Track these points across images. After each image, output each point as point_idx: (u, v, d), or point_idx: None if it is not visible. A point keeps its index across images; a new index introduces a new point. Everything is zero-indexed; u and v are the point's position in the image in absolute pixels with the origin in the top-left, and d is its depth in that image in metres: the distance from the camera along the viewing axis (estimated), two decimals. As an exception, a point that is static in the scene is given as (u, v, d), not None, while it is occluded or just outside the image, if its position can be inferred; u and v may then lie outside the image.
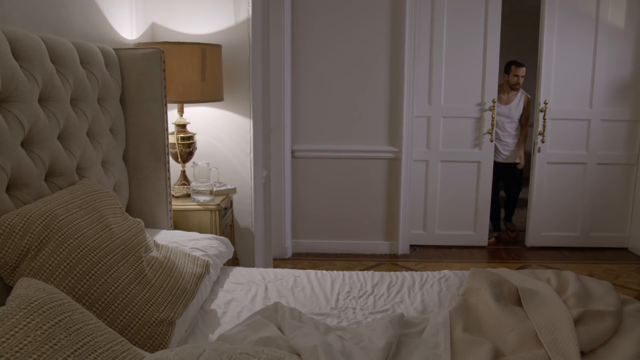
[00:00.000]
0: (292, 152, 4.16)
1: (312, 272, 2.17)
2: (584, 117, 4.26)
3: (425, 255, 4.28)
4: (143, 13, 2.70)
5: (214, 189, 2.59)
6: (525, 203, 4.61)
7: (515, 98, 4.39)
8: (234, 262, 2.74)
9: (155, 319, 1.47)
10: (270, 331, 1.48)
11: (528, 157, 4.49)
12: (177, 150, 2.57)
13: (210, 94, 2.51)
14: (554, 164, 4.32)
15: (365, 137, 4.14)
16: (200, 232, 2.40)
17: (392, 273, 2.17)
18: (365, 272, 2.20)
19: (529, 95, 4.45)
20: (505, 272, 2.02)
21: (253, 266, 2.88)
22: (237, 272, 2.20)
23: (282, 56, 3.89)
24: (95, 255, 1.45)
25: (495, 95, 4.21)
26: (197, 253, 1.99)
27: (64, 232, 1.41)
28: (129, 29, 2.57)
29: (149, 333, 1.44)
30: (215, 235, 2.27)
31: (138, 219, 1.82)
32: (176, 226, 2.49)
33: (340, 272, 2.19)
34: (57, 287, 1.32)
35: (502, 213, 4.74)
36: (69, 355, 0.99)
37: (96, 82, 1.96)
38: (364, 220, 4.26)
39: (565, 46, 4.16)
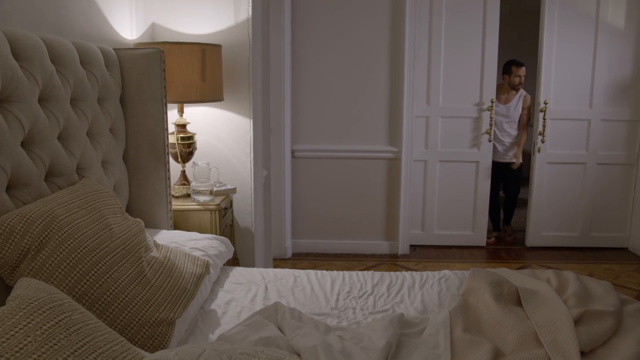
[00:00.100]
0: (292, 152, 4.16)
1: (312, 272, 2.17)
2: (584, 117, 4.26)
3: (425, 255, 4.28)
4: (143, 13, 2.70)
5: (214, 189, 2.59)
6: (525, 203, 4.61)
7: (515, 98, 4.37)
8: (234, 262, 2.74)
9: (155, 319, 1.47)
10: (270, 331, 1.48)
11: (528, 157, 4.49)
12: (177, 150, 2.57)
13: (210, 94, 2.51)
14: (554, 164, 4.32)
15: (365, 137, 4.14)
16: (200, 232, 2.40)
17: (392, 273, 2.17)
18: (365, 272, 2.20)
19: (529, 95, 4.41)
20: (505, 272, 2.02)
21: (253, 266, 2.88)
22: (237, 272, 2.20)
23: (282, 56, 3.89)
24: (95, 255, 1.45)
25: (493, 95, 4.21)
26: (197, 253, 1.99)
27: (64, 232, 1.41)
28: (129, 29, 2.57)
29: (149, 333, 1.44)
30: (215, 235, 2.27)
31: (138, 219, 1.82)
32: (176, 226, 2.49)
33: (340, 272, 2.19)
34: (57, 287, 1.32)
35: (502, 214, 4.73)
36: (69, 355, 0.99)
37: (96, 82, 1.96)
38: (364, 220, 4.26)
39: (565, 46, 4.16)
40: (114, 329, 1.35)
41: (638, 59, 4.15)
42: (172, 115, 2.60)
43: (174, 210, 2.48)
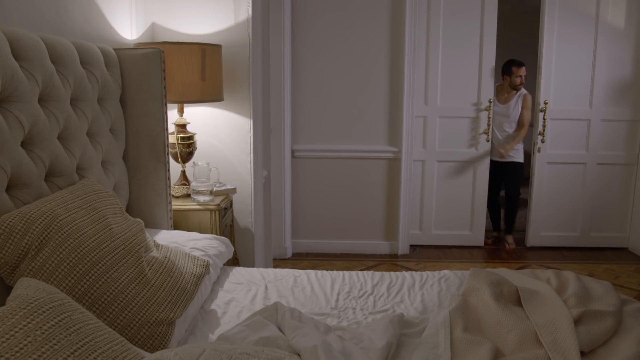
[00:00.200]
0: (292, 152, 4.16)
1: (312, 272, 2.17)
2: (584, 117, 4.26)
3: (425, 255, 4.28)
4: (143, 13, 2.70)
5: (214, 189, 2.59)
6: (525, 203, 4.60)
7: (514, 97, 4.30)
8: (234, 262, 2.74)
9: (155, 319, 1.47)
10: (270, 331, 1.48)
11: (528, 157, 4.47)
12: (177, 150, 2.57)
13: (210, 94, 2.51)
14: (554, 164, 4.32)
15: (365, 137, 4.14)
16: (200, 232, 2.40)
17: (392, 273, 2.17)
18: (365, 272, 2.20)
19: (529, 95, 4.30)
20: (505, 272, 2.02)
21: (253, 266, 2.88)
22: (237, 272, 2.20)
23: (282, 56, 3.89)
24: (95, 255, 1.45)
25: (491, 95, 4.21)
26: (197, 253, 1.99)
27: (64, 232, 1.41)
28: (129, 29, 2.57)
29: (149, 333, 1.44)
30: (215, 235, 2.27)
31: (138, 219, 1.82)
32: (176, 226, 2.49)
33: (340, 272, 2.19)
34: (57, 287, 1.32)
35: (503, 219, 4.69)
36: (69, 355, 0.99)
37: (96, 82, 1.96)
38: (364, 220, 4.26)
39: (565, 46, 4.16)
40: (114, 329, 1.35)
41: (638, 59, 4.15)
42: (172, 115, 2.60)
43: (174, 210, 2.48)
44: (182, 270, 1.74)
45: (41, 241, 1.36)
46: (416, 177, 4.32)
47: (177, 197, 2.61)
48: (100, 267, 1.44)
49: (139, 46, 2.45)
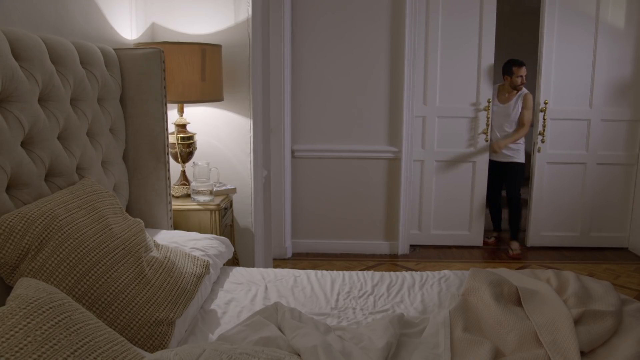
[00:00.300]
0: (292, 152, 4.16)
1: (312, 272, 2.17)
2: (583, 117, 4.26)
3: (425, 255, 4.28)
4: (143, 13, 2.70)
5: (214, 189, 2.59)
6: (525, 203, 4.60)
7: (514, 97, 4.23)
8: (234, 262, 2.74)
9: (155, 319, 1.47)
10: (270, 331, 1.48)
11: (528, 157, 4.46)
12: (177, 150, 2.57)
13: (210, 94, 2.51)
14: (554, 164, 4.32)
15: (365, 137, 4.14)
16: (200, 232, 2.40)
17: (392, 273, 2.17)
18: (365, 272, 2.20)
19: (530, 94, 4.23)
20: (505, 272, 2.02)
21: (253, 266, 2.88)
22: (237, 272, 2.20)
23: (282, 56, 3.89)
24: (95, 255, 1.45)
25: (490, 95, 4.20)
26: (197, 253, 1.99)
27: (64, 232, 1.41)
28: (129, 29, 2.57)
29: (149, 333, 1.44)
30: (215, 235, 2.27)
31: (138, 219, 1.82)
32: (176, 226, 2.49)
33: (340, 272, 2.19)
34: (57, 287, 1.32)
35: (506, 215, 4.66)
36: (69, 355, 0.99)
37: (96, 82, 1.96)
38: (364, 220, 4.26)
39: (565, 46, 4.16)
40: (114, 329, 1.36)
41: (638, 59, 4.15)
42: (172, 115, 2.60)
43: (174, 210, 2.48)
44: (182, 270, 1.74)
45: (41, 241, 1.36)
46: (415, 177, 4.32)
47: (177, 197, 2.61)
48: (100, 267, 1.44)
49: (139, 46, 2.45)
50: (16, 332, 0.96)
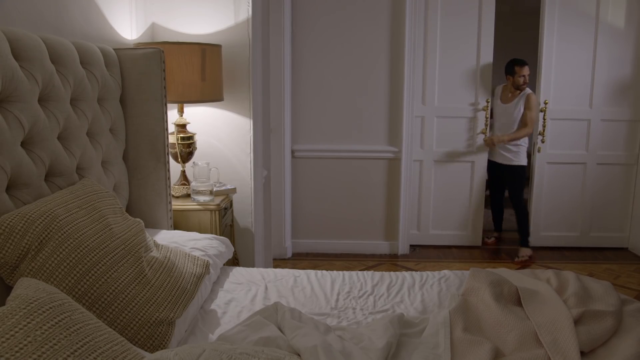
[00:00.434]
0: (292, 152, 4.16)
1: (312, 272, 2.17)
2: (583, 117, 4.26)
3: (425, 255, 4.28)
4: (143, 13, 2.70)
5: (214, 189, 2.59)
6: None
7: (516, 97, 4.15)
8: (234, 262, 2.74)
9: (155, 319, 1.47)
10: (270, 331, 1.48)
11: (528, 157, 4.45)
12: (177, 150, 2.57)
13: (210, 94, 2.51)
14: (554, 164, 4.31)
15: (365, 137, 4.14)
16: (200, 232, 2.40)
17: (392, 273, 2.17)
18: (365, 272, 2.20)
19: (534, 94, 4.09)
20: (505, 272, 2.02)
21: (253, 266, 2.88)
22: (237, 272, 2.20)
23: (282, 56, 3.89)
24: (95, 255, 1.45)
25: (489, 95, 4.20)
26: (197, 253, 1.99)
27: (64, 232, 1.41)
28: (129, 29, 2.57)
29: (149, 333, 1.44)
30: (215, 235, 2.27)
31: (138, 219, 1.82)
32: (176, 226, 2.49)
33: (340, 272, 2.19)
34: (57, 287, 1.32)
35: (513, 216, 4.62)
36: (69, 355, 0.99)
37: (96, 82, 1.96)
38: (364, 220, 4.26)
39: (565, 46, 4.16)
40: (114, 329, 1.36)
41: (638, 59, 4.15)
42: (172, 115, 2.60)
43: (174, 210, 2.48)
44: (182, 270, 1.74)
45: (41, 241, 1.36)
46: (414, 177, 4.32)
47: (177, 197, 2.61)
48: (100, 267, 1.44)
49: (139, 46, 2.45)
50: (16, 332, 0.96)
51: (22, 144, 1.53)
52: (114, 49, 2.18)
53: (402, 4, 3.94)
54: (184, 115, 2.60)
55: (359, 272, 2.19)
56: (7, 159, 1.44)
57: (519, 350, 1.48)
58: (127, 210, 2.23)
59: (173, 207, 2.47)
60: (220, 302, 1.90)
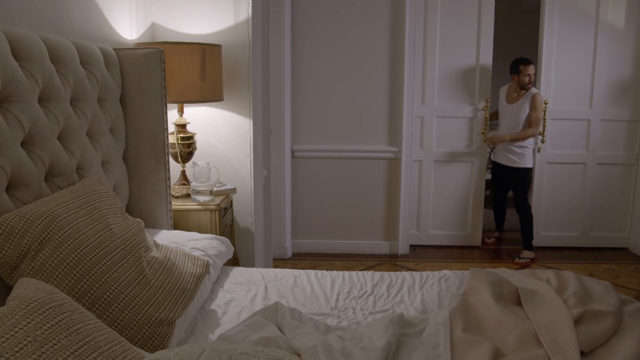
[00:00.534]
0: (292, 152, 4.16)
1: (312, 272, 2.17)
2: (584, 117, 4.26)
3: (425, 255, 4.28)
4: (143, 13, 2.70)
5: (214, 189, 2.59)
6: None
7: (521, 97, 4.04)
8: (234, 262, 2.74)
9: (155, 319, 1.47)
10: (270, 331, 1.48)
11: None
12: (177, 150, 2.57)
13: (210, 94, 2.51)
14: (554, 164, 4.31)
15: (365, 137, 4.14)
16: (200, 232, 2.40)
17: (392, 273, 2.17)
18: (365, 272, 2.20)
19: (539, 94, 4.01)
20: (505, 272, 2.02)
21: (253, 266, 2.88)
22: (237, 272, 2.20)
23: (282, 56, 3.89)
24: (95, 255, 1.45)
25: (488, 95, 4.19)
26: (197, 253, 1.99)
27: (64, 232, 1.41)
28: (129, 29, 2.57)
29: (149, 333, 1.44)
30: (215, 235, 2.27)
31: (138, 219, 1.82)
32: (176, 226, 2.49)
33: (340, 272, 2.18)
34: (57, 287, 1.32)
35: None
36: (69, 355, 0.99)
37: (96, 82, 1.96)
38: (364, 220, 4.26)
39: (565, 46, 4.16)
40: (114, 329, 1.36)
41: (638, 59, 4.15)
42: (172, 115, 2.60)
43: (174, 210, 2.48)
44: (182, 270, 1.74)
45: (41, 241, 1.36)
46: (414, 177, 4.31)
47: (177, 197, 2.61)
48: (100, 267, 1.44)
49: (139, 46, 2.45)
50: (16, 332, 0.96)
51: (22, 144, 1.53)
52: (114, 49, 2.18)
53: (402, 4, 3.94)
54: (184, 115, 2.60)
55: (359, 272, 2.19)
56: (7, 159, 1.44)
57: (519, 350, 1.48)
58: (127, 210, 2.23)
59: (173, 207, 2.47)
60: (220, 302, 1.90)
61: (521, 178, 4.11)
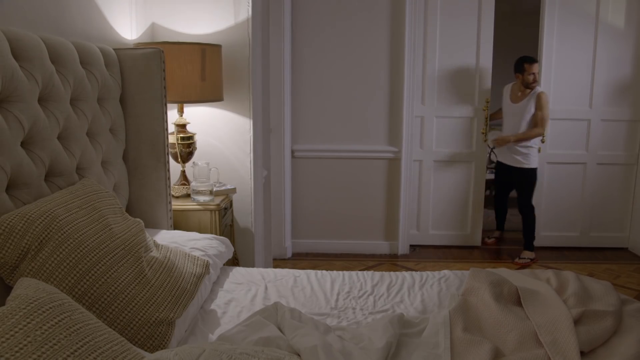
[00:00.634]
0: (292, 152, 4.16)
1: (312, 272, 2.17)
2: (583, 117, 4.26)
3: (425, 255, 4.28)
4: (143, 13, 2.70)
5: (214, 189, 2.59)
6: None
7: (527, 96, 3.98)
8: (234, 262, 2.74)
9: (155, 319, 1.47)
10: (270, 331, 1.48)
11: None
12: (177, 150, 2.57)
13: (210, 94, 2.51)
14: (554, 164, 4.31)
15: (365, 137, 4.14)
16: (200, 232, 2.40)
17: (392, 273, 2.17)
18: (365, 272, 2.20)
19: (544, 93, 3.96)
20: (505, 272, 2.02)
21: (253, 266, 2.88)
22: (237, 272, 2.20)
23: (282, 56, 3.89)
24: (95, 255, 1.45)
25: (488, 95, 4.19)
26: (197, 253, 1.99)
27: (64, 232, 1.41)
28: (129, 29, 2.57)
29: (149, 333, 1.44)
30: (215, 235, 2.27)
31: (138, 219, 1.82)
32: (176, 226, 2.49)
33: (340, 272, 2.18)
34: (57, 287, 1.32)
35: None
36: (69, 355, 0.99)
37: (96, 82, 1.96)
38: (363, 220, 4.26)
39: (565, 46, 4.15)
40: (114, 329, 1.36)
41: (638, 59, 4.15)
42: (172, 115, 2.60)
43: (173, 210, 2.48)
44: (182, 270, 1.74)
45: (41, 241, 1.36)
46: (413, 177, 4.31)
47: (177, 197, 2.61)
48: (100, 267, 1.44)
49: (139, 46, 2.45)
50: (16, 332, 0.96)
51: (22, 144, 1.53)
52: (114, 49, 2.18)
53: (402, 4, 3.94)
54: (184, 115, 2.60)
55: (359, 272, 2.19)
56: (7, 159, 1.44)
57: (519, 350, 1.48)
58: (127, 210, 2.23)
59: (173, 207, 2.47)
60: (220, 302, 1.90)
61: (527, 178, 4.08)
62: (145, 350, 1.41)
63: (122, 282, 1.46)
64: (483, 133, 4.24)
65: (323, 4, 3.98)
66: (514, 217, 4.87)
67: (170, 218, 2.36)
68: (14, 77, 1.46)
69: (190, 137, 2.59)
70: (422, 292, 2.01)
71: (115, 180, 2.12)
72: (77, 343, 1.02)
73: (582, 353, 1.46)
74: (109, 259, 1.48)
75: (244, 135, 2.79)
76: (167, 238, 2.08)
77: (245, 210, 2.88)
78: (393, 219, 4.24)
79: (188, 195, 2.62)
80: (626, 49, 4.14)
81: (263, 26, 3.08)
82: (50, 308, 1.04)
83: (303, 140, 4.17)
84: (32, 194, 1.55)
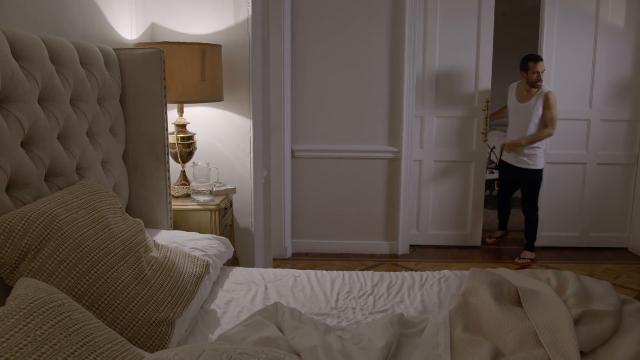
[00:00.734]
0: (292, 152, 4.16)
1: (312, 272, 2.17)
2: (583, 117, 4.26)
3: (425, 255, 4.28)
4: (143, 13, 2.70)
5: (214, 189, 2.59)
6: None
7: (534, 96, 3.93)
8: (234, 262, 2.74)
9: (155, 319, 1.47)
10: (270, 331, 1.48)
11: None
12: (177, 150, 2.57)
13: (210, 94, 2.51)
14: (554, 164, 4.31)
15: (365, 137, 4.14)
16: (200, 232, 2.40)
17: (391, 273, 2.17)
18: (365, 272, 2.20)
19: (551, 92, 3.91)
20: (505, 272, 2.02)
21: (253, 266, 2.88)
22: (237, 272, 2.20)
23: (282, 56, 3.89)
24: (95, 255, 1.45)
25: (488, 95, 4.19)
26: (197, 253, 1.99)
27: (64, 232, 1.41)
28: (128, 29, 2.57)
29: (149, 333, 1.44)
30: (215, 235, 2.27)
31: (138, 219, 1.82)
32: (176, 226, 2.49)
33: (340, 272, 2.19)
34: (57, 287, 1.32)
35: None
36: (68, 355, 0.99)
37: (96, 82, 1.96)
38: (363, 220, 4.26)
39: (565, 46, 4.15)
40: (114, 329, 1.36)
41: (638, 59, 4.15)
42: (172, 115, 2.60)
43: (173, 210, 2.48)
44: (182, 270, 1.74)
45: (41, 241, 1.36)
46: (413, 177, 4.31)
47: (177, 197, 2.61)
48: (100, 267, 1.44)
49: (138, 46, 2.45)
50: (16, 332, 0.96)
51: (22, 144, 1.53)
52: (114, 49, 2.18)
53: (402, 5, 3.93)
54: (183, 115, 2.60)
55: (359, 272, 2.19)
56: (7, 159, 1.44)
57: (518, 350, 1.48)
58: (127, 210, 2.23)
59: (173, 207, 2.47)
60: (220, 302, 1.90)
61: (533, 179, 4.05)
62: (145, 350, 1.41)
63: (122, 282, 1.46)
64: (483, 133, 4.24)
65: (323, 4, 3.98)
66: (514, 217, 4.88)
67: (170, 218, 2.36)
68: (14, 77, 1.46)
69: (190, 137, 2.59)
70: (422, 292, 2.01)
71: (115, 180, 2.12)
72: (77, 343, 1.02)
73: (582, 353, 1.46)
74: (109, 259, 1.48)
75: (244, 135, 2.79)
76: (167, 238, 2.08)
77: (245, 210, 2.88)
78: (393, 219, 4.24)
79: (188, 195, 2.62)
80: (626, 49, 4.14)
81: (263, 26, 3.08)
82: (50, 308, 1.04)
83: (303, 140, 4.17)
84: (32, 194, 1.55)
